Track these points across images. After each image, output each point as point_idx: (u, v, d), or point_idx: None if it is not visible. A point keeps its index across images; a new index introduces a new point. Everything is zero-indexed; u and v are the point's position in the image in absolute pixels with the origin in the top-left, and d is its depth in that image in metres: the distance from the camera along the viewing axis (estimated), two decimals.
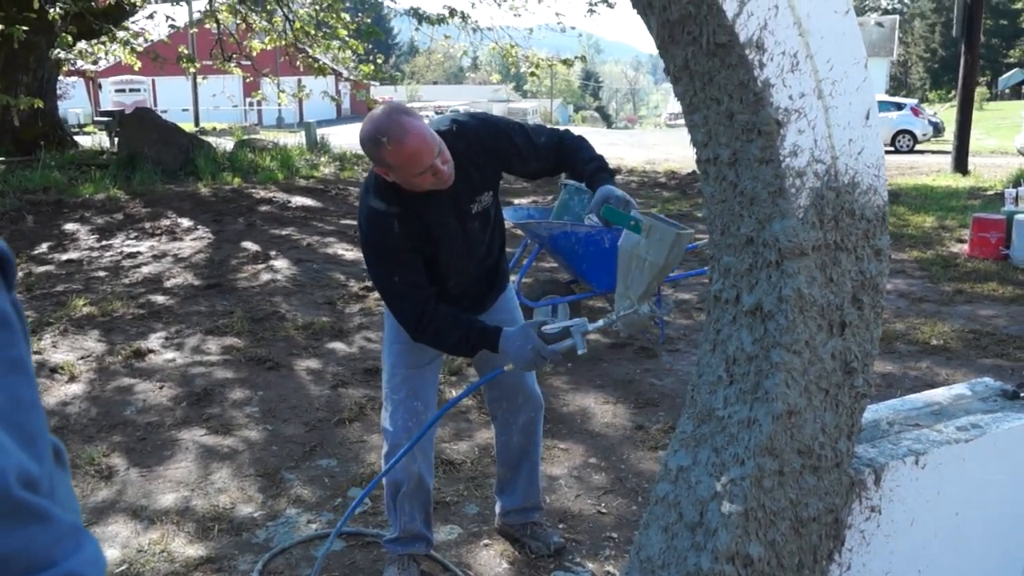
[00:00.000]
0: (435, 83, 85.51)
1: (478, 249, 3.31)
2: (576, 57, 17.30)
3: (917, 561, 2.93)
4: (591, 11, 17.66)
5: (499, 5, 17.56)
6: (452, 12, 16.84)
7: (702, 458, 2.59)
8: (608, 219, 3.01)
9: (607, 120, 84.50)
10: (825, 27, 2.21)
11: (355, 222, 12.31)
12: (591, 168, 3.17)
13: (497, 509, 3.84)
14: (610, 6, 17.50)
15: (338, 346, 6.73)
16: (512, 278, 6.81)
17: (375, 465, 4.49)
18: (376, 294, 8.17)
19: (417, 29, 17.07)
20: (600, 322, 3.09)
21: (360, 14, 19.60)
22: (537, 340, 3.00)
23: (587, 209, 3.13)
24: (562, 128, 3.44)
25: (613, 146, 32.19)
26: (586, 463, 4.62)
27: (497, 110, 68.09)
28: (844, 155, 2.35)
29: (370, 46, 18.75)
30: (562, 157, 3.25)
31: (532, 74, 18.55)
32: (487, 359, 3.38)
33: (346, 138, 28.62)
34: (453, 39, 18.53)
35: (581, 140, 3.30)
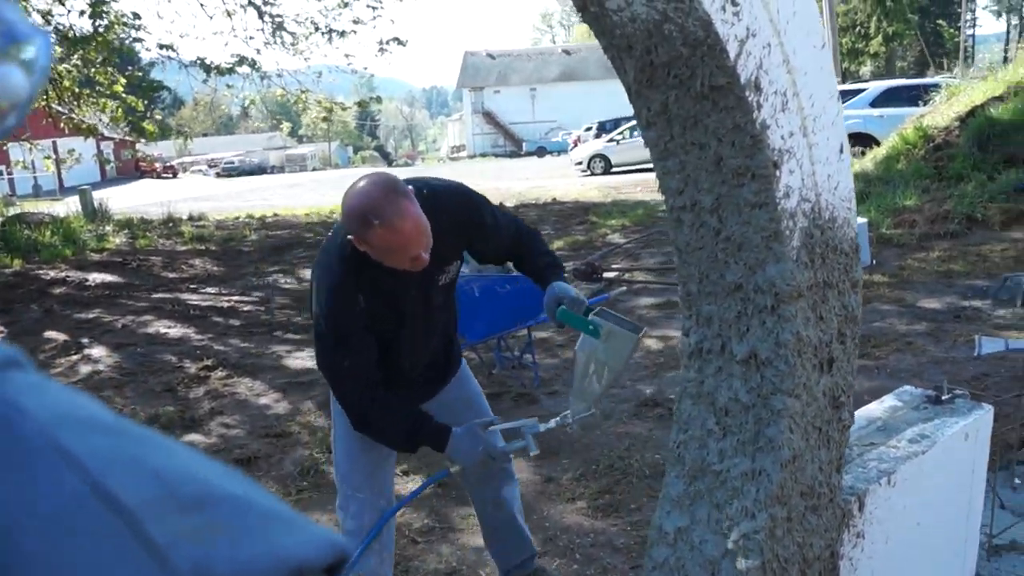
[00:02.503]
0: (205, 135, 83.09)
1: (439, 326, 3.15)
2: (372, 98, 17.09)
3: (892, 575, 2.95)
4: (382, 50, 17.48)
5: (289, 50, 17.11)
6: (241, 60, 16.30)
7: (702, 516, 2.49)
8: (564, 322, 2.92)
9: (387, 158, 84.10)
10: (808, 63, 2.17)
11: (170, 295, 11.75)
12: (542, 264, 3.09)
13: (498, 570, 3.74)
14: (402, 44, 17.39)
15: (196, 438, 6.08)
16: None
17: None
18: (221, 373, 7.72)
19: (205, 81, 16.42)
20: (552, 423, 3.01)
21: (131, 68, 18.58)
22: (487, 441, 2.94)
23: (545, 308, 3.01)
24: (522, 222, 3.33)
25: None
26: None
27: (274, 157, 66.83)
28: (825, 191, 2.32)
29: (147, 102, 17.86)
30: (518, 247, 3.16)
31: (325, 119, 18.22)
32: (449, 414, 3.22)
33: (123, 201, 27.22)
34: (236, 88, 17.93)
35: (536, 233, 3.23)
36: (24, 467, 0.46)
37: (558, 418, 3.00)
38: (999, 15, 72.07)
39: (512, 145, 64.76)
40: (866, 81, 23.91)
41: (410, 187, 2.71)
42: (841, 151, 2.35)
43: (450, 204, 2.93)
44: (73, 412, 0.52)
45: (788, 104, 2.14)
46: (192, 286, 12.59)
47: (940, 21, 57.65)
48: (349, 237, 2.67)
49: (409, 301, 2.92)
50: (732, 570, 2.38)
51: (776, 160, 2.12)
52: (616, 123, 35.17)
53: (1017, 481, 4.21)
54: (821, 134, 2.26)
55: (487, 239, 3.07)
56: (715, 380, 2.49)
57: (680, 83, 2.11)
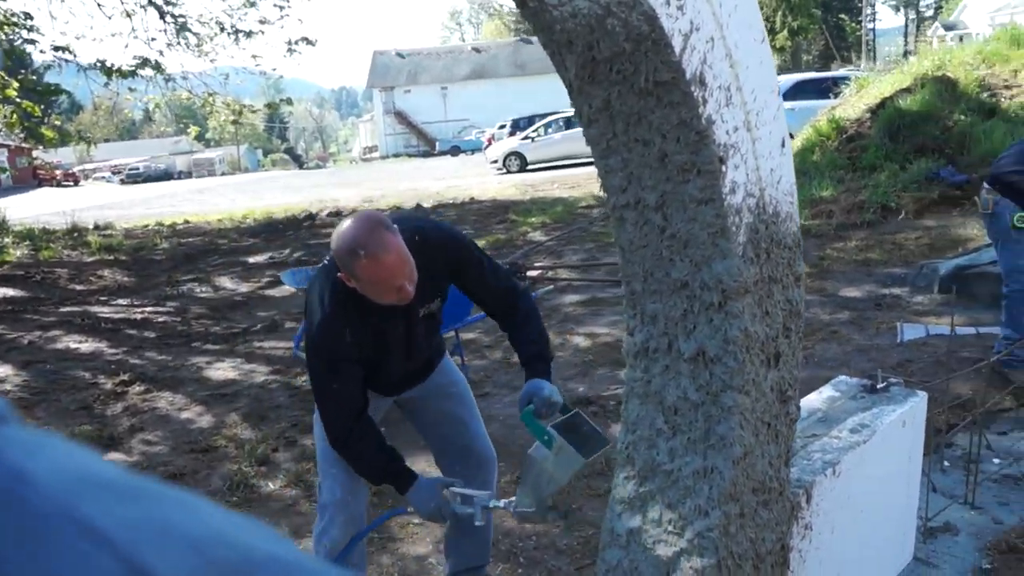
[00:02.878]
0: (107, 140, 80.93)
1: (423, 350, 3.31)
2: (282, 100, 16.82)
3: (837, 564, 2.98)
4: (291, 51, 17.20)
5: (194, 51, 16.72)
6: (144, 62, 15.85)
7: (654, 516, 2.47)
8: (525, 424, 3.02)
9: (298, 161, 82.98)
10: (750, 57, 2.16)
11: (78, 308, 11.37)
12: (528, 352, 3.17)
13: (446, 570, 3.76)
14: (311, 44, 17.13)
15: (117, 457, 5.86)
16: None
17: None
18: (139, 387, 7.46)
19: (106, 84, 15.93)
20: (501, 503, 3.09)
21: (24, 72, 17.93)
22: (441, 499, 3.04)
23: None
24: (522, 286, 3.41)
25: (318, 188, 31.48)
26: (437, 548, 4.33)
27: (181, 162, 65.52)
28: (769, 186, 2.31)
29: (43, 107, 17.25)
30: (507, 318, 3.26)
31: (234, 122, 17.86)
32: (420, 414, 3.50)
33: (22, 211, 26.20)
34: (139, 91, 17.44)
35: (531, 313, 3.27)
36: (43, 550, 0.40)
37: (504, 502, 3.09)
38: (897, 9, 74.21)
39: (425, 145, 64.36)
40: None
41: (399, 227, 2.85)
42: (783, 145, 2.34)
43: (437, 243, 3.09)
44: (86, 475, 0.45)
45: (732, 99, 2.12)
46: (102, 298, 12.18)
47: (842, 15, 59.07)
48: (339, 275, 2.84)
49: (394, 333, 3.08)
50: (687, 569, 2.36)
51: (722, 155, 2.10)
52: (530, 120, 35.22)
53: (946, 464, 4.29)
54: (764, 128, 2.25)
55: (472, 289, 3.23)
56: (663, 379, 2.46)
57: (623, 79, 2.07)
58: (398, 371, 3.29)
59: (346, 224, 2.80)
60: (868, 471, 3.04)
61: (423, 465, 4.24)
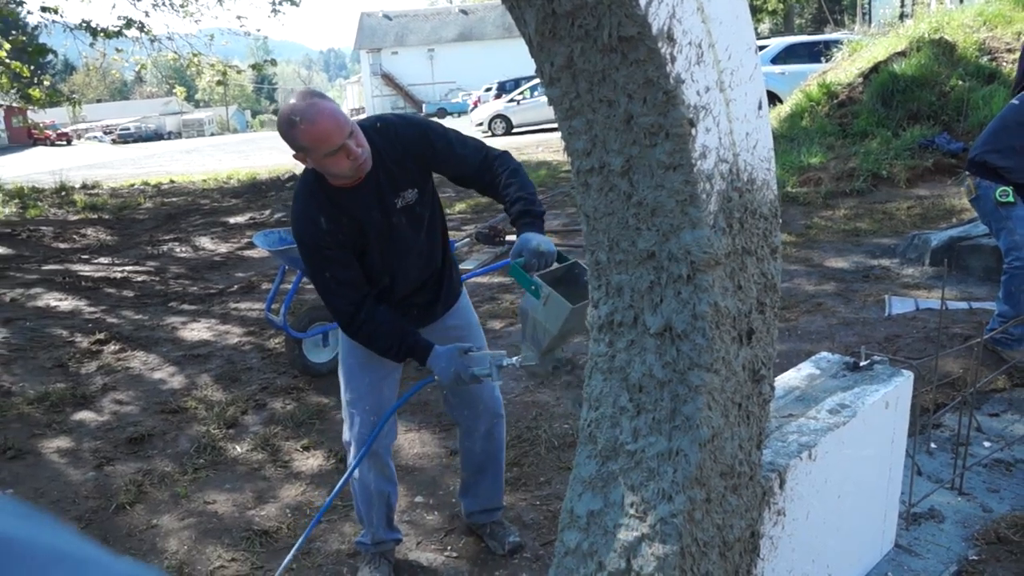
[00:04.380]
0: (99, 101, 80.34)
1: (411, 248, 3.33)
2: (267, 60, 16.59)
3: (812, 552, 2.87)
4: (275, 11, 16.95)
5: (178, 12, 16.47)
6: (129, 23, 15.61)
7: (615, 499, 2.34)
8: (513, 277, 3.02)
9: None
10: (724, 11, 1.99)
11: (60, 267, 11.24)
12: (516, 210, 3.19)
13: (462, 509, 3.97)
14: (295, 4, 16.88)
15: (87, 416, 5.78)
16: (276, 307, 6.40)
17: (179, 553, 3.91)
18: (114, 346, 7.37)
19: (91, 44, 15.71)
20: (513, 360, 3.15)
21: (14, 33, 17.70)
22: (459, 364, 3.14)
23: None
24: (500, 149, 3.45)
25: None
26: (413, 504, 4.21)
27: (171, 123, 65.19)
28: (744, 151, 2.15)
29: (34, 68, 17.06)
30: (485, 180, 3.31)
31: (220, 83, 17.64)
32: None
33: (15, 170, 26.03)
34: (126, 52, 17.20)
35: (514, 174, 3.29)
36: None
37: (515, 359, 3.15)
38: None
39: (412, 107, 63.80)
40: (766, 38, 24.02)
41: (365, 120, 3.18)
42: (760, 107, 2.19)
43: (399, 130, 3.21)
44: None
45: (704, 56, 1.95)
46: (84, 257, 12.07)
47: None
48: (305, 167, 3.06)
49: (371, 223, 3.15)
50: (648, 556, 2.24)
51: (691, 117, 1.94)
52: (516, 83, 34.93)
53: (933, 446, 4.16)
54: (739, 89, 2.09)
55: (441, 163, 3.28)
56: (627, 354, 2.33)
57: (586, 34, 1.91)
58: (396, 276, 3.34)
59: (283, 105, 3.01)
60: (847, 454, 2.92)
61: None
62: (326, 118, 2.86)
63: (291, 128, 2.88)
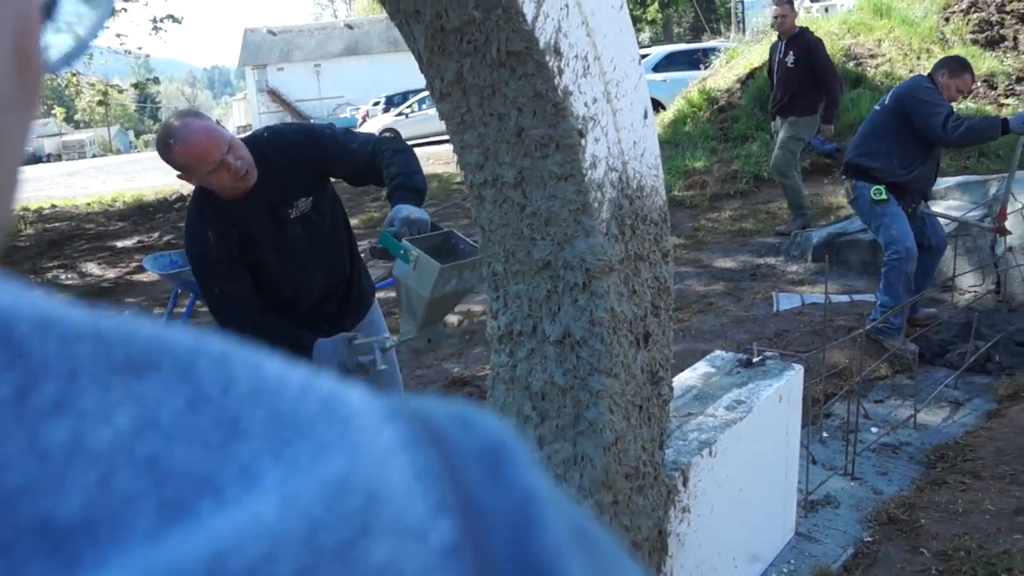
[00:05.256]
0: None
1: (310, 259, 3.26)
2: (149, 79, 16.27)
3: (718, 545, 2.95)
4: (156, 29, 16.60)
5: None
6: None
7: None
8: (382, 244, 2.98)
9: None
10: (607, 25, 2.05)
11: None
12: (393, 185, 3.13)
13: None
14: (177, 21, 16.56)
15: None
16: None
17: None
18: None
19: None
20: (394, 340, 3.16)
21: None
22: (343, 353, 3.10)
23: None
24: (388, 135, 3.46)
25: None
26: None
27: (50, 145, 63.06)
28: (632, 159, 2.21)
29: None
30: (374, 168, 3.22)
31: (101, 102, 17.21)
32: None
33: None
34: None
35: (397, 153, 3.23)
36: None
37: (395, 339, 3.16)
38: None
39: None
40: (647, 47, 24.48)
41: (254, 132, 3.22)
42: (646, 116, 2.25)
43: (289, 137, 3.18)
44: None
45: (590, 68, 2.00)
46: None
47: None
48: (180, 178, 3.00)
49: (264, 235, 3.11)
50: None
51: (581, 128, 1.99)
52: (404, 96, 34.73)
53: (825, 435, 4.31)
54: (625, 99, 2.15)
55: (333, 163, 3.23)
56: (528, 363, 2.36)
57: (475, 50, 1.94)
58: (299, 283, 3.29)
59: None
60: (745, 448, 3.00)
61: None
62: (200, 136, 2.86)
63: (167, 151, 2.88)
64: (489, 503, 0.34)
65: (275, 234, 3.16)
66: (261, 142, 3.14)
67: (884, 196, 5.33)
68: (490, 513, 0.34)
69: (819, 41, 8.50)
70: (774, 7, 8.78)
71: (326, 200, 3.33)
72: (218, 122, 3.20)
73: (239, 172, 2.93)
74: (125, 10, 17.10)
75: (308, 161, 3.19)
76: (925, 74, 5.61)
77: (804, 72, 8.22)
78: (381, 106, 37.06)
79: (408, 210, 3.01)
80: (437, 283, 2.81)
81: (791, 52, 8.35)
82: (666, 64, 18.79)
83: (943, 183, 7.49)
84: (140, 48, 16.85)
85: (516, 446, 0.38)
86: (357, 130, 3.47)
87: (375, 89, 47.46)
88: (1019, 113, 5.33)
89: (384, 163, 3.19)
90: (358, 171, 3.30)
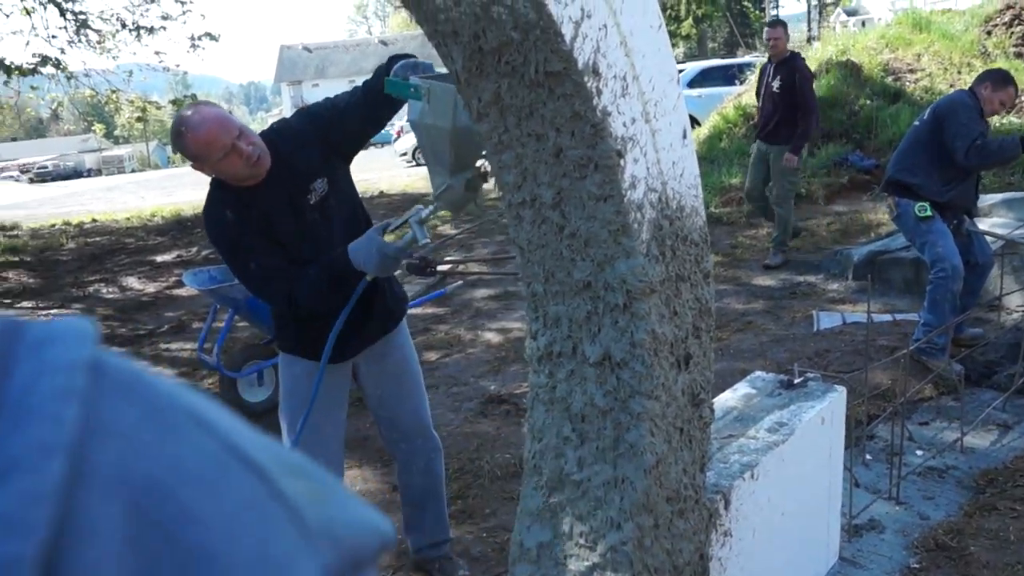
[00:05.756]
0: (14, 139, 78.58)
1: (329, 245, 3.18)
2: (187, 95, 16.42)
3: (760, 570, 2.90)
4: (194, 46, 16.80)
5: (95, 48, 16.21)
6: (44, 60, 15.33)
7: (564, 529, 2.35)
8: (390, 92, 2.91)
9: None
10: (646, 45, 2.03)
11: None
12: (384, 66, 3.13)
13: (409, 545, 3.86)
14: (214, 39, 16.75)
15: None
16: (208, 346, 6.28)
17: None
18: None
19: (5, 83, 15.37)
20: (429, 208, 2.99)
21: None
22: (380, 241, 3.01)
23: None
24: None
25: None
26: None
27: (90, 160, 63.88)
28: (671, 179, 2.19)
29: None
30: (370, 98, 3.21)
31: (139, 119, 17.43)
32: (369, 385, 3.52)
33: None
34: (42, 90, 16.90)
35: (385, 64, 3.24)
36: (167, 429, 0.46)
37: (429, 208, 3.00)
38: None
39: None
40: (682, 63, 24.47)
41: (269, 128, 3.24)
42: (684, 136, 2.23)
43: (294, 124, 3.26)
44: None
45: (628, 89, 1.99)
46: (6, 301, 11.75)
47: (746, 3, 59.66)
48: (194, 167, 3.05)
49: (283, 223, 3.12)
50: None
51: (620, 149, 1.97)
52: None
53: (868, 457, 4.24)
54: (663, 119, 2.13)
55: (336, 124, 3.23)
56: (568, 384, 2.34)
57: (513, 70, 1.93)
58: None
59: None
60: (788, 471, 2.96)
61: None
62: (211, 122, 2.90)
63: (180, 139, 2.93)
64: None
65: (294, 221, 3.16)
66: (272, 133, 3.19)
67: (929, 213, 5.25)
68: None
69: (806, 68, 8.37)
70: (767, 29, 8.71)
71: (343, 184, 3.33)
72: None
73: (251, 157, 2.96)
74: (164, 28, 17.34)
75: (316, 138, 3.20)
76: (967, 88, 5.54)
77: (788, 97, 8.11)
78: None
79: (407, 59, 3.02)
80: (457, 107, 2.65)
81: (778, 76, 8.22)
82: (701, 80, 18.75)
83: (988, 200, 7.40)
84: (178, 65, 17.06)
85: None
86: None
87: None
88: None
89: (374, 76, 3.19)
90: (360, 106, 3.25)
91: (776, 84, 8.17)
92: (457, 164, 2.85)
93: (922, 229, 5.30)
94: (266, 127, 3.32)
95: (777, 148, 8.24)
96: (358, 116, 3.26)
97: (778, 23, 8.65)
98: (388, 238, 3.05)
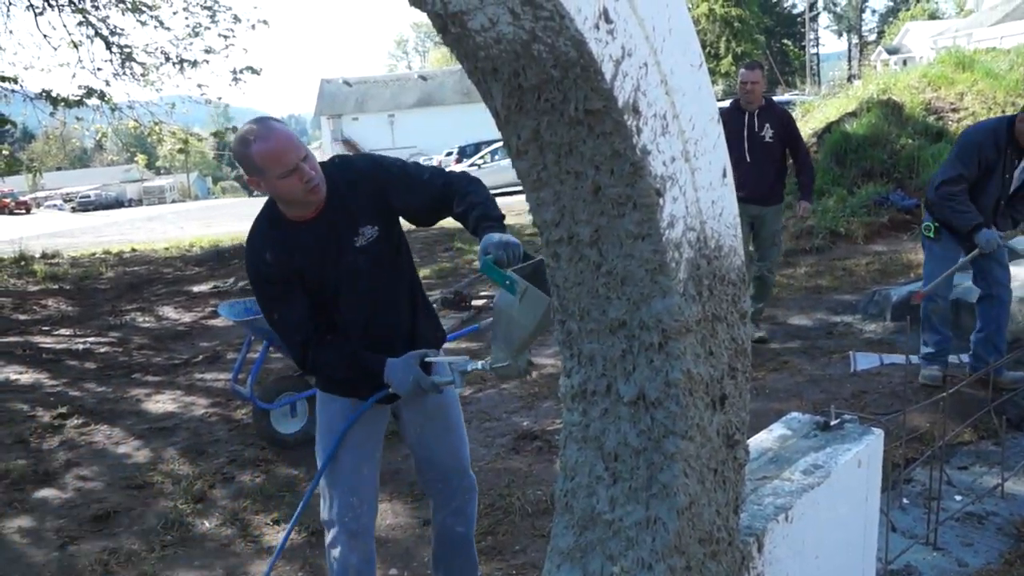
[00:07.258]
0: (59, 168, 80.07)
1: (372, 293, 3.22)
2: (228, 128, 16.69)
3: None
4: (236, 80, 17.11)
5: (139, 81, 16.54)
6: (90, 92, 15.64)
7: (595, 569, 2.32)
8: (485, 274, 2.91)
9: (248, 189, 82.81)
10: (686, 83, 2.03)
11: (20, 339, 11.13)
12: (474, 217, 3.10)
13: None
14: (255, 72, 17.03)
15: (49, 494, 5.66)
16: (242, 377, 6.33)
17: None
18: (77, 420, 7.28)
19: (52, 113, 15.71)
20: (478, 365, 3.06)
21: None
22: (418, 371, 3.08)
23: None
24: (458, 170, 3.48)
25: None
26: None
27: (132, 190, 64.92)
28: (710, 218, 2.18)
29: None
30: (447, 201, 3.20)
31: (181, 150, 17.72)
32: (409, 423, 3.49)
33: None
34: (86, 121, 17.21)
35: (471, 184, 3.24)
36: None
37: (483, 362, 3.05)
38: (840, 34, 75.61)
39: None
40: (721, 100, 24.48)
41: (326, 161, 3.19)
42: (724, 175, 2.22)
43: (358, 164, 3.23)
44: None
45: (668, 127, 1.98)
46: (45, 328, 11.91)
47: (786, 40, 59.82)
48: (257, 194, 3.05)
49: (327, 262, 3.11)
50: None
51: (659, 188, 1.96)
52: (477, 147, 35.05)
53: (905, 501, 4.17)
54: (703, 158, 2.12)
55: (402, 193, 3.20)
56: (602, 423, 2.32)
57: (552, 108, 1.93)
58: (361, 322, 3.24)
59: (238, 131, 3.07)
60: (823, 515, 2.91)
61: None
62: (281, 137, 2.90)
63: (245, 148, 2.91)
64: None
65: (336, 260, 3.13)
66: (331, 166, 3.17)
67: (932, 234, 5.52)
68: None
69: (790, 113, 7.84)
70: (744, 71, 7.59)
71: (393, 236, 3.29)
72: None
73: (311, 182, 2.94)
74: (207, 62, 17.68)
75: (376, 188, 3.18)
76: (1006, 117, 5.55)
77: (782, 148, 7.39)
78: (454, 156, 37.50)
79: (500, 236, 2.96)
80: (544, 317, 2.78)
81: (766, 125, 7.32)
82: None
83: None
84: (220, 98, 17.40)
85: None
86: (431, 166, 3.47)
87: (448, 139, 48.11)
88: (989, 232, 5.29)
89: (460, 192, 3.18)
90: (432, 198, 3.25)
91: (768, 135, 7.31)
92: (520, 350, 2.95)
93: (925, 246, 5.65)
94: (338, 154, 3.36)
95: (773, 208, 7.45)
96: (424, 205, 3.25)
97: (756, 65, 7.72)
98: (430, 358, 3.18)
